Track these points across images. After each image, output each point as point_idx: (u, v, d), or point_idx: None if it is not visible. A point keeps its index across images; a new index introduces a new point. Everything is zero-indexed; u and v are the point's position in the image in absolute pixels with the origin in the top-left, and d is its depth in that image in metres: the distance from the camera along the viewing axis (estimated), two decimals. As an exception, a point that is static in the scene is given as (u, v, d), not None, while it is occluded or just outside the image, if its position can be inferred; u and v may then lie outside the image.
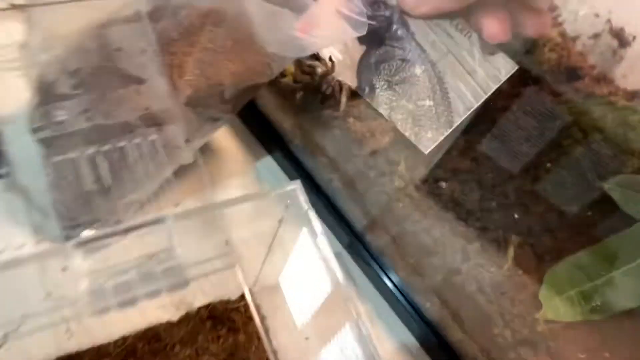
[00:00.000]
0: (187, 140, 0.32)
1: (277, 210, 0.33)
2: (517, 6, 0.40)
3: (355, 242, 0.46)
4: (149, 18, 0.39)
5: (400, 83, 0.42)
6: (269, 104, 0.49)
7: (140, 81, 0.32)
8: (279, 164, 0.50)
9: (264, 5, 0.34)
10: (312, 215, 0.30)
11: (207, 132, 0.42)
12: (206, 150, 0.50)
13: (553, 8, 0.58)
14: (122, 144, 0.29)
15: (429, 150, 0.41)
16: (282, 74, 0.45)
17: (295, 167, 0.49)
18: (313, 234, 0.30)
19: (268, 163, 0.51)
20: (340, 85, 0.42)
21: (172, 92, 0.34)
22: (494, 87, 0.41)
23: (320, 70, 0.42)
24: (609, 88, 0.53)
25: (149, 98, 0.31)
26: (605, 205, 0.43)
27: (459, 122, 0.41)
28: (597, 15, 0.56)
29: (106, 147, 0.28)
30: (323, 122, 0.44)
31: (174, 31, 0.39)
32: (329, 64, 0.42)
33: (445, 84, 0.42)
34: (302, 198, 0.30)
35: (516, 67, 0.42)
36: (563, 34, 0.57)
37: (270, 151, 0.51)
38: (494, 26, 0.40)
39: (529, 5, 0.39)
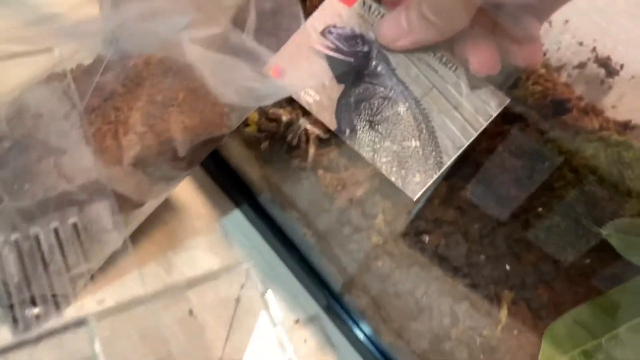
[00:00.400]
0: (116, 221, 0.27)
1: (233, 289, 0.28)
2: (504, 35, 0.36)
3: (334, 303, 0.42)
4: (89, 72, 0.35)
5: (383, 123, 0.39)
6: (234, 155, 0.45)
7: (60, 152, 0.28)
8: (248, 219, 0.46)
9: (211, 55, 0.30)
10: (269, 295, 0.26)
11: (160, 193, 0.38)
12: (167, 206, 0.46)
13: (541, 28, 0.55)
14: (34, 230, 0.25)
15: (418, 195, 0.37)
16: (246, 123, 0.41)
17: (266, 222, 0.45)
18: (270, 317, 0.26)
19: (236, 218, 0.47)
20: (307, 134, 0.38)
21: (100, 162, 0.30)
22: (485, 123, 0.38)
23: (285, 118, 0.38)
24: (598, 120, 0.50)
25: (70, 172, 0.27)
26: (605, 252, 0.39)
27: (449, 162, 0.37)
28: (581, 44, 0.53)
29: (14, 236, 0.24)
30: (291, 174, 0.40)
31: (119, 84, 0.36)
32: (293, 112, 0.38)
33: (431, 122, 0.38)
34: (257, 278, 0.26)
35: (508, 100, 0.38)
36: (547, 65, 0.54)
37: (237, 204, 0.47)
38: (481, 58, 0.36)
39: (517, 33, 0.36)
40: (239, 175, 0.46)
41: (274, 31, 0.38)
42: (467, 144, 0.37)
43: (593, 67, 0.53)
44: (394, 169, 0.37)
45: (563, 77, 0.54)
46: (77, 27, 0.37)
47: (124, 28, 0.35)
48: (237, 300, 0.36)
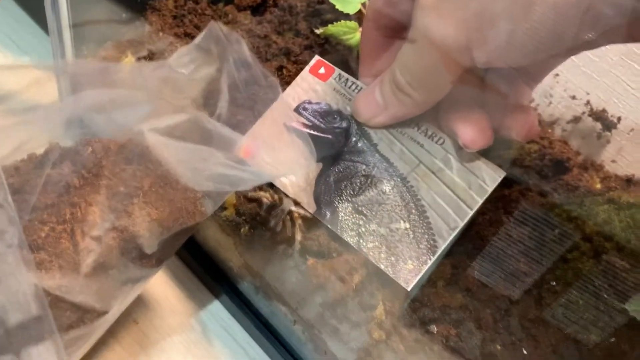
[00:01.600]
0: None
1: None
2: (494, 105, 0.33)
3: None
4: (40, 164, 0.31)
5: (367, 204, 0.35)
6: (211, 241, 0.40)
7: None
8: (229, 311, 0.41)
9: (176, 144, 0.26)
10: None
11: (127, 296, 0.33)
12: (137, 303, 0.41)
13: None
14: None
15: (412, 285, 0.33)
16: (223, 207, 0.37)
17: (250, 316, 0.40)
18: None
19: (215, 311, 0.42)
20: (292, 217, 0.34)
21: (53, 270, 0.25)
22: (481, 201, 0.34)
23: (266, 200, 0.34)
24: (599, 175, 0.47)
25: (3, 307, 0.23)
26: (633, 329, 0.35)
27: (443, 246, 0.33)
28: (573, 97, 0.50)
29: None
30: (276, 262, 0.36)
31: (75, 176, 0.31)
32: (275, 195, 0.34)
33: (421, 201, 0.35)
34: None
35: (503, 175, 0.35)
36: (540, 121, 0.51)
37: (217, 296, 0.42)
38: (471, 131, 0.33)
39: (508, 103, 0.33)
40: (217, 263, 0.41)
41: (249, 103, 0.35)
42: (462, 224, 0.34)
43: (588, 121, 0.50)
44: (383, 255, 0.33)
45: (557, 133, 0.52)
46: (34, 114, 0.33)
47: (84, 118, 0.31)
48: None
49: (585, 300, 0.36)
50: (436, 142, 0.36)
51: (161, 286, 0.42)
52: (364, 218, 0.35)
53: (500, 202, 0.40)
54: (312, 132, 0.37)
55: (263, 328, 0.39)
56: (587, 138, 0.51)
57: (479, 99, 0.35)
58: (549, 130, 0.50)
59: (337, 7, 0.46)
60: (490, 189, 0.35)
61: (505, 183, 0.41)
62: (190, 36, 0.45)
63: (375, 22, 0.35)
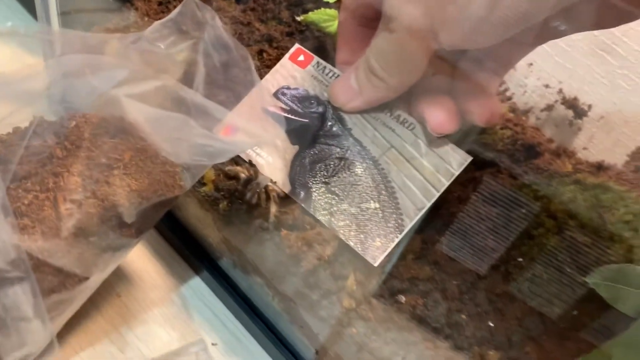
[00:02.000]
0: (37, 306, 0.24)
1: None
2: (461, 92, 0.35)
3: (306, 375, 0.38)
4: (24, 135, 0.32)
5: (339, 185, 0.36)
6: (191, 217, 0.42)
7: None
8: (209, 286, 0.43)
9: (153, 111, 0.28)
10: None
11: (108, 264, 0.34)
12: (120, 277, 0.42)
13: (500, 82, 0.54)
14: None
15: (379, 261, 0.34)
16: (202, 182, 0.38)
17: (228, 289, 0.41)
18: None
19: (195, 286, 0.43)
20: (268, 192, 0.35)
21: (37, 234, 0.27)
22: (447, 183, 0.36)
23: (243, 175, 0.35)
24: (571, 162, 0.48)
25: None
26: (594, 302, 0.36)
27: (410, 225, 0.35)
28: (547, 86, 0.52)
29: None
30: (253, 235, 0.37)
31: (58, 147, 0.32)
32: (251, 168, 0.35)
33: (391, 183, 0.36)
34: (221, 352, 0.23)
35: (470, 159, 0.36)
36: (514, 109, 0.53)
37: (196, 271, 0.43)
38: (438, 116, 0.35)
39: (475, 90, 0.35)
40: (197, 239, 0.42)
41: (228, 85, 0.36)
42: (429, 204, 0.35)
43: (561, 109, 0.52)
44: (353, 233, 0.35)
45: (531, 120, 0.53)
46: (18, 85, 0.34)
47: (64, 83, 0.32)
48: None
49: (549, 274, 0.38)
50: (407, 128, 0.37)
51: (143, 261, 0.43)
52: (336, 198, 0.36)
53: (471, 183, 0.42)
54: (289, 116, 0.38)
55: (241, 302, 0.40)
56: (560, 126, 0.52)
57: (447, 86, 0.36)
58: (523, 118, 0.52)
59: (318, -5, 0.48)
60: (456, 172, 0.36)
61: (477, 165, 0.43)
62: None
63: (351, 11, 0.37)
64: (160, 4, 0.48)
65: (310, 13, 0.47)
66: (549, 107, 0.52)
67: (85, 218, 0.31)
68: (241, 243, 0.38)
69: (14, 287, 0.24)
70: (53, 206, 0.31)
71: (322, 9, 0.47)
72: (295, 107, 0.38)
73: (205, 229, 0.41)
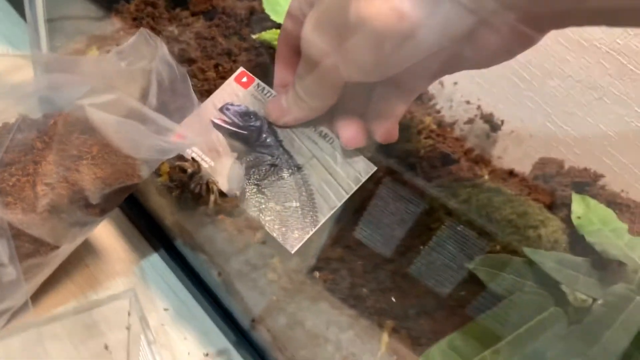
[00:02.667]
0: (11, 256, 0.32)
1: (123, 318, 0.33)
2: (370, 115, 0.43)
3: (242, 338, 0.46)
4: (11, 129, 0.40)
5: (269, 187, 0.44)
6: (151, 202, 0.49)
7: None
8: (165, 262, 0.50)
9: (111, 117, 0.35)
10: (146, 325, 0.30)
11: (77, 237, 0.42)
12: (89, 250, 0.50)
13: (430, 97, 0.62)
14: None
15: (295, 249, 0.42)
16: (159, 173, 0.46)
17: (180, 265, 0.49)
18: (148, 343, 0.30)
19: (154, 261, 0.51)
20: (209, 185, 0.43)
21: (18, 210, 0.34)
22: (355, 187, 0.43)
23: (189, 170, 0.43)
24: (487, 169, 0.56)
25: None
26: (476, 285, 0.44)
27: (323, 220, 0.42)
28: (468, 102, 0.60)
29: None
30: (198, 220, 0.45)
31: (39, 140, 0.40)
32: (195, 164, 0.43)
33: (310, 186, 0.44)
34: (137, 306, 0.31)
35: (374, 169, 0.43)
36: (440, 121, 0.60)
37: (155, 249, 0.51)
38: (348, 133, 0.42)
39: (378, 113, 0.42)
40: (156, 221, 0.50)
41: (175, 97, 0.44)
42: (339, 204, 0.43)
43: (480, 123, 0.60)
44: (276, 226, 0.42)
45: (457, 132, 0.61)
46: (10, 91, 0.41)
47: (48, 93, 0.40)
48: (152, 340, 0.40)
49: (442, 261, 0.46)
50: (327, 141, 0.45)
51: (110, 239, 0.51)
52: (265, 197, 0.44)
53: (389, 184, 0.50)
54: (231, 128, 0.46)
55: (190, 275, 0.48)
56: (479, 137, 0.60)
57: (359, 109, 0.44)
58: (449, 130, 0.60)
59: (272, 17, 0.56)
60: (363, 178, 0.43)
61: (398, 168, 0.51)
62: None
63: (285, 41, 0.44)
64: (134, 19, 0.55)
65: (263, 32, 0.55)
66: (470, 121, 0.60)
67: (57, 198, 0.38)
68: (190, 225, 0.46)
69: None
70: (32, 188, 0.39)
71: (274, 29, 0.54)
72: (236, 120, 0.45)
73: (162, 212, 0.48)
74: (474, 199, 0.48)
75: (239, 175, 0.44)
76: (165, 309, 0.48)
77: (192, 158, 0.43)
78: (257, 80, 0.47)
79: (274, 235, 0.42)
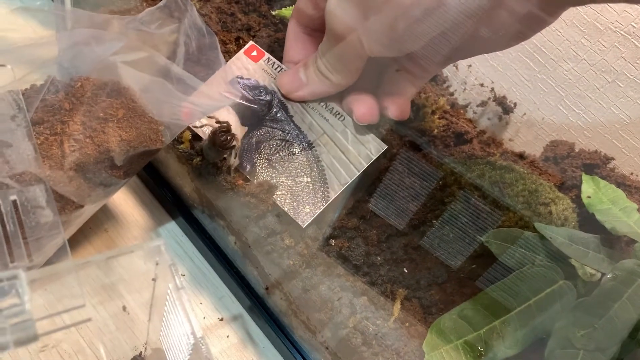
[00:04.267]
0: (49, 200, 0.33)
1: (150, 268, 0.34)
2: (382, 92, 0.44)
3: (256, 304, 0.47)
4: (40, 91, 0.41)
5: (279, 161, 0.45)
6: (169, 170, 0.50)
7: (6, 145, 0.33)
8: (182, 229, 0.52)
9: (142, 75, 0.36)
10: (175, 270, 0.31)
11: (100, 198, 0.43)
12: (108, 216, 0.51)
13: (444, 79, 0.63)
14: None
15: (306, 224, 0.43)
16: (180, 141, 0.47)
17: (198, 232, 0.50)
18: (176, 289, 0.31)
19: (171, 228, 0.52)
20: (232, 139, 0.43)
21: (45, 166, 0.35)
22: (366, 165, 0.44)
23: (217, 125, 0.43)
24: (499, 151, 0.57)
25: (14, 161, 0.33)
26: (486, 257, 0.45)
27: (334, 196, 0.43)
28: (482, 85, 0.61)
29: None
30: (218, 186, 0.46)
31: (66, 102, 0.41)
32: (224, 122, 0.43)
33: (321, 162, 0.45)
34: (166, 256, 0.32)
35: (385, 147, 0.44)
36: (453, 103, 0.61)
37: (173, 216, 0.52)
38: (362, 109, 0.43)
39: (391, 91, 0.43)
40: (174, 189, 0.51)
41: (202, 62, 0.45)
42: (350, 181, 0.44)
43: (493, 105, 0.61)
44: (287, 201, 0.43)
45: (470, 114, 0.62)
46: (34, 50, 0.42)
47: (73, 51, 0.41)
48: (168, 298, 0.41)
49: (455, 234, 0.47)
50: (338, 118, 0.45)
51: (129, 205, 0.52)
52: (276, 172, 0.44)
53: (404, 159, 0.51)
54: (241, 101, 0.46)
55: (207, 242, 0.49)
56: (492, 119, 0.61)
57: (373, 86, 0.45)
58: (461, 111, 0.61)
59: (291, -6, 0.57)
60: (374, 157, 0.44)
61: (411, 145, 0.52)
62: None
63: (298, 20, 0.45)
64: (157, -8, 0.56)
65: (282, 9, 0.56)
66: (484, 103, 0.61)
67: (84, 157, 0.39)
68: (209, 192, 0.47)
69: (33, 186, 0.32)
70: (59, 146, 0.40)
71: (293, 6, 0.55)
72: (246, 94, 0.46)
73: (181, 180, 0.49)
74: (487, 175, 0.49)
75: (250, 149, 0.44)
76: (182, 275, 0.49)
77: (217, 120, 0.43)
78: (267, 54, 0.48)
79: (285, 209, 0.43)
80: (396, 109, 0.43)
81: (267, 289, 0.47)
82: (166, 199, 0.51)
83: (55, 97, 0.41)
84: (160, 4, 0.40)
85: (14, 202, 0.30)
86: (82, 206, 0.42)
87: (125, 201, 0.52)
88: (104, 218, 0.50)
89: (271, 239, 0.44)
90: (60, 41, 0.35)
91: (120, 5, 0.57)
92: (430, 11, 0.34)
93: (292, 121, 0.46)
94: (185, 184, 0.49)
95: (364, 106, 0.43)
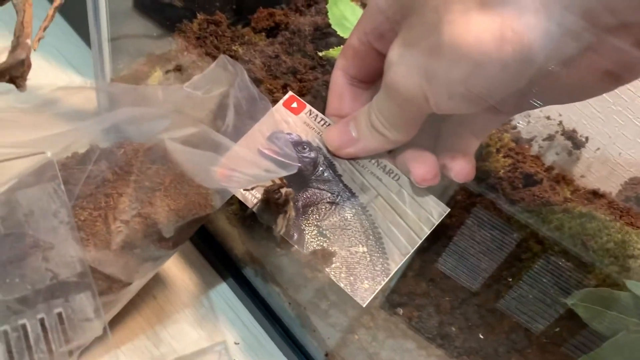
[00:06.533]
0: (97, 310, 0.30)
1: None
2: (443, 150, 0.39)
3: (316, 374, 0.44)
4: (82, 161, 0.38)
5: (330, 228, 0.40)
6: (220, 231, 0.47)
7: (48, 247, 0.30)
8: (234, 292, 0.48)
9: (188, 150, 0.33)
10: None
11: (149, 271, 0.40)
12: (157, 281, 0.48)
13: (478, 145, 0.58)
14: (22, 321, 0.27)
15: (367, 302, 0.38)
16: (230, 202, 0.44)
17: (250, 295, 0.47)
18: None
19: (222, 291, 0.49)
20: (288, 198, 0.39)
21: (89, 246, 0.32)
22: (428, 232, 0.39)
23: (277, 181, 0.39)
24: (569, 188, 0.52)
25: (57, 265, 0.30)
26: (573, 321, 0.41)
27: (395, 269, 0.38)
28: (548, 118, 0.56)
29: (4, 328, 0.26)
30: (272, 250, 0.42)
31: (110, 172, 0.38)
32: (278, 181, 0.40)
33: (377, 228, 0.40)
34: (242, 351, 0.28)
35: (448, 210, 0.40)
36: (518, 138, 0.57)
37: (224, 278, 0.49)
38: (421, 170, 0.39)
39: (453, 147, 0.39)
40: (224, 250, 0.48)
41: (252, 115, 0.41)
42: (412, 250, 0.39)
43: (561, 139, 0.56)
44: (343, 275, 0.38)
45: (535, 149, 0.57)
46: (80, 123, 0.40)
47: (117, 131, 0.38)
48: None
49: (534, 294, 0.42)
50: (392, 178, 0.41)
51: (177, 268, 0.49)
52: (328, 241, 0.40)
53: (471, 207, 0.47)
54: (282, 159, 0.40)
55: (261, 306, 0.46)
56: (560, 154, 0.56)
57: (430, 143, 0.40)
58: (526, 147, 0.56)
59: (338, 32, 0.53)
60: (436, 222, 0.40)
61: (478, 190, 0.48)
62: (210, 55, 0.52)
63: (344, 71, 0.41)
64: (198, 38, 0.53)
65: (330, 49, 0.53)
66: (550, 137, 0.56)
67: (132, 234, 0.37)
68: (261, 256, 0.44)
69: (79, 294, 0.30)
70: (104, 222, 0.37)
71: (342, 46, 0.52)
72: (288, 151, 0.40)
73: (232, 242, 0.46)
74: (566, 225, 0.44)
75: (296, 215, 0.40)
76: (236, 343, 0.46)
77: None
78: (308, 106, 0.43)
79: (341, 285, 0.38)
80: (461, 169, 0.38)
81: (326, 355, 0.43)
82: (216, 261, 0.48)
83: (97, 168, 0.39)
84: (208, 69, 0.37)
85: (59, 314, 0.27)
86: (130, 283, 0.39)
87: (174, 264, 0.49)
88: (152, 283, 0.47)
89: (332, 310, 0.40)
90: (102, 122, 0.33)
91: (163, 51, 0.55)
92: (508, 66, 0.30)
93: (342, 181, 0.41)
94: (236, 245, 0.46)
95: (423, 167, 0.39)
